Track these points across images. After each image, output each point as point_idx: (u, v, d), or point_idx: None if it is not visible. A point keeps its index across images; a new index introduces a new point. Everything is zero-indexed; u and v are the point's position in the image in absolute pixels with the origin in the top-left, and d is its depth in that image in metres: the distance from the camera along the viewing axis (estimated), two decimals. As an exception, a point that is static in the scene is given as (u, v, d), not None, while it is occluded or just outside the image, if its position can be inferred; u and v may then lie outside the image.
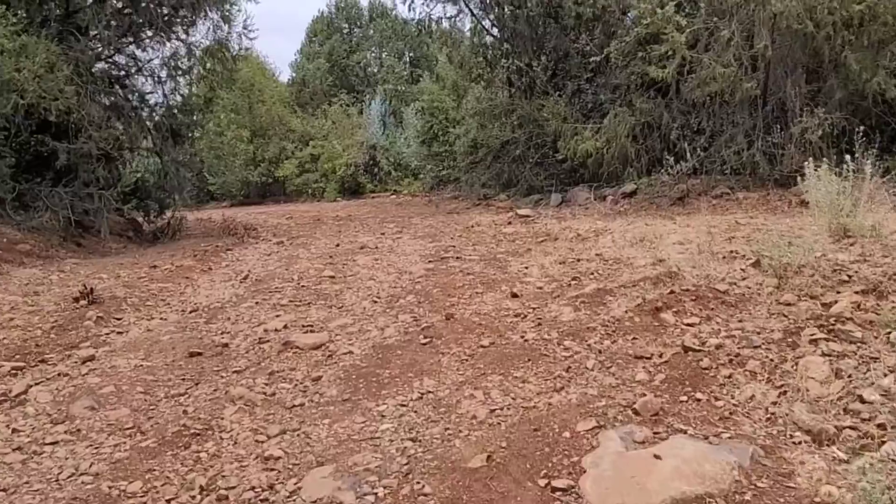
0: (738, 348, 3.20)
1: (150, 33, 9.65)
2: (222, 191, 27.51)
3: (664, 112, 10.60)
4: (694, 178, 9.83)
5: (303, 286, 6.21)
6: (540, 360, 3.62)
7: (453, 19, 14.29)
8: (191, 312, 5.60)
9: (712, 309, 4.18)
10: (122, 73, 9.63)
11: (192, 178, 12.03)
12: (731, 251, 5.65)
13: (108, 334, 5.08)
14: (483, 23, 14.05)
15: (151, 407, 3.61)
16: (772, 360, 3.03)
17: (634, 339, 3.86)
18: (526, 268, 6.24)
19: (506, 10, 13.32)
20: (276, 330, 4.81)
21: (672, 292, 4.39)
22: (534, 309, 4.67)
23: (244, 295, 6.07)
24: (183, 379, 4.03)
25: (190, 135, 10.66)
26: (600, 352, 3.68)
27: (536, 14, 12.18)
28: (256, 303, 5.72)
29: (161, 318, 5.47)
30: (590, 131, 11.45)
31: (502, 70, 13.28)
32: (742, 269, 4.86)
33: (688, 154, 9.64)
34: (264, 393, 3.64)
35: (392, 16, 29.46)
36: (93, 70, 8.55)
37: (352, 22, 31.36)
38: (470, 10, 13.91)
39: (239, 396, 3.57)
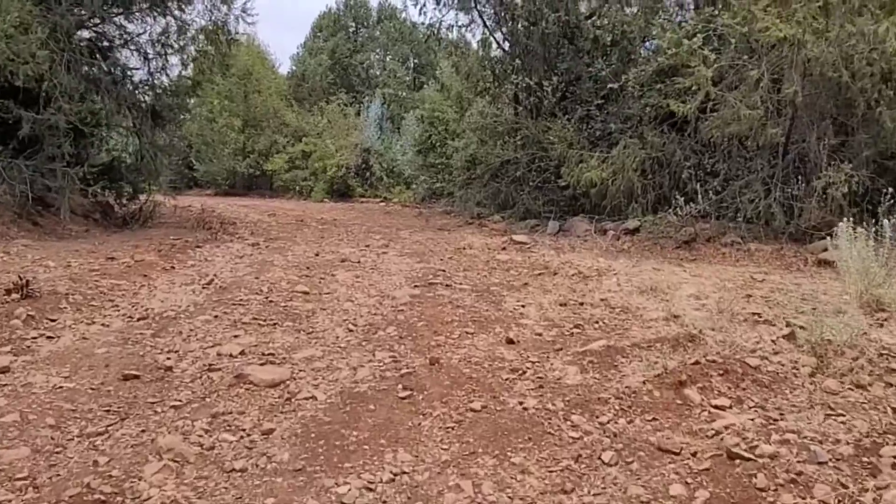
0: (799, 462, 2.56)
1: (143, 5, 8.93)
2: (207, 178, 26.68)
3: (677, 149, 10.06)
4: (703, 223, 9.27)
5: (271, 301, 5.51)
6: (543, 441, 2.96)
7: (464, 29, 13.72)
8: (139, 320, 4.88)
9: (744, 388, 3.56)
10: (107, 44, 8.89)
11: (173, 163, 11.28)
12: (754, 314, 5.04)
13: (35, 339, 4.36)
14: (494, 35, 13.49)
15: (58, 449, 2.90)
16: (845, 486, 2.39)
17: (655, 419, 3.21)
18: (523, 306, 5.59)
19: (520, 24, 12.76)
20: (230, 355, 4.11)
21: (696, 363, 3.76)
22: (533, 363, 4.01)
23: (204, 304, 5.36)
24: (108, 410, 3.33)
25: (173, 117, 9.93)
26: (615, 435, 3.03)
27: (552, 32, 11.62)
28: (216, 316, 5.01)
29: (103, 325, 4.75)
30: (596, 160, 10.88)
31: (510, 86, 12.70)
32: (773, 341, 4.25)
33: (699, 196, 9.10)
34: (200, 445, 2.95)
35: (400, 18, 28.91)
36: (73, 37, 7.82)
37: (359, 21, 30.76)
38: (483, 20, 13.35)
39: (168, 448, 2.87)
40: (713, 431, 3.03)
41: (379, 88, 26.80)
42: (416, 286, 6.28)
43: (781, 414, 3.24)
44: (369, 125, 24.18)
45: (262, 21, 55.00)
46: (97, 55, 8.34)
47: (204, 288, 5.94)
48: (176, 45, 9.15)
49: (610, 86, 10.52)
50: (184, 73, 10.62)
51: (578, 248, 9.36)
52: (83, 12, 8.31)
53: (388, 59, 29.85)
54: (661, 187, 10.35)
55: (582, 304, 5.66)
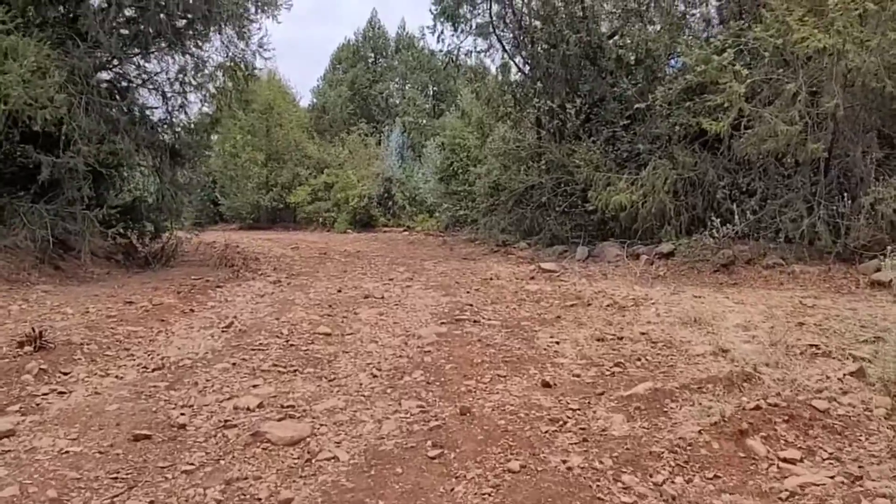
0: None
1: (162, 44, 8.88)
2: (232, 213, 26.81)
3: (709, 168, 9.69)
4: (741, 244, 8.86)
5: (292, 345, 5.24)
6: (593, 509, 2.62)
7: (483, 54, 13.56)
8: (154, 371, 4.64)
9: (814, 437, 3.20)
10: (125, 84, 8.85)
11: (194, 201, 11.18)
12: (811, 345, 4.66)
13: (45, 395, 4.13)
14: (514, 60, 13.30)
15: (56, 529, 2.64)
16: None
17: (716, 476, 2.87)
18: (557, 342, 5.26)
19: (540, 48, 12.57)
20: (248, 409, 3.84)
21: (757, 407, 3.40)
22: (574, 411, 3.68)
23: (222, 351, 5.11)
24: (115, 478, 3.06)
25: (193, 155, 9.84)
26: (674, 498, 2.69)
27: (573, 54, 11.39)
28: (234, 364, 4.75)
29: (116, 377, 4.51)
30: (625, 182, 10.55)
31: (532, 110, 12.47)
32: (839, 378, 3.87)
33: (736, 216, 8.71)
34: (211, 521, 2.67)
35: (418, 47, 29.01)
36: (91, 79, 7.76)
37: (378, 51, 30.98)
38: (502, 45, 13.18)
39: (175, 525, 2.60)
40: (787, 492, 2.67)
41: (399, 117, 26.82)
42: (442, 323, 5.98)
43: (861, 467, 2.87)
44: (390, 154, 24.13)
45: (282, 56, 55.87)
46: (116, 96, 8.28)
47: (223, 332, 5.70)
48: (194, 83, 9.07)
49: (637, 106, 10.21)
50: (203, 109, 10.56)
51: (611, 274, 9.00)
52: (102, 54, 8.26)
53: (407, 87, 29.94)
54: (695, 208, 9.97)
55: (620, 338, 5.31)
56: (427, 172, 20.87)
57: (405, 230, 19.60)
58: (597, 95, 12.00)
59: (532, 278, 8.84)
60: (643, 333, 5.39)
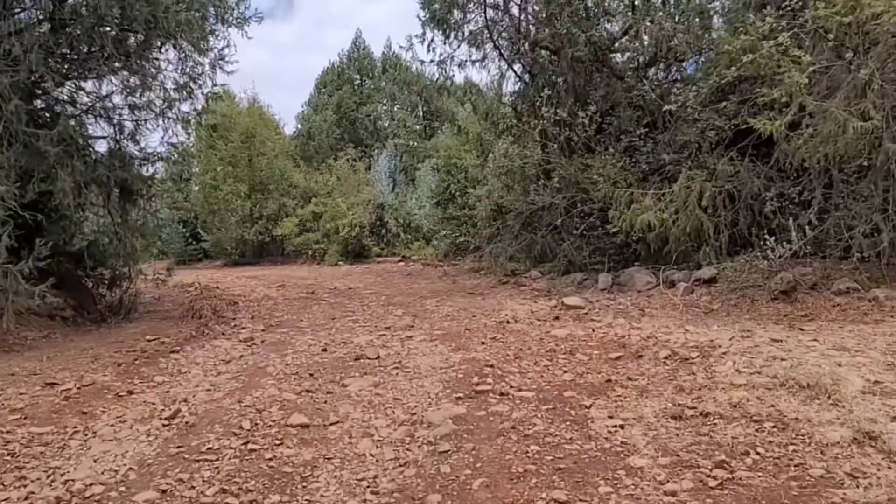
0: None
1: (102, 62, 7.48)
2: (216, 249, 25.35)
3: (752, 177, 8.31)
4: (799, 266, 7.45)
5: (253, 449, 3.75)
6: None
7: (478, 64, 12.23)
8: (44, 509, 3.16)
9: None
10: (58, 110, 7.43)
11: (151, 243, 9.73)
12: None
13: None
14: (513, 67, 11.97)
15: None
16: None
17: None
18: (621, 426, 3.80)
19: (542, 53, 11.24)
20: None
21: None
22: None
23: (153, 464, 3.62)
24: None
25: (147, 192, 8.41)
26: None
27: (583, 55, 10.05)
28: (164, 490, 3.27)
29: (-17, 527, 3.03)
30: (651, 198, 9.16)
31: (537, 122, 11.09)
32: None
33: (793, 232, 7.32)
34: None
35: (405, 66, 27.75)
36: (9, 105, 6.32)
37: (363, 73, 29.73)
38: (499, 52, 11.86)
39: None
40: None
41: (389, 140, 25.51)
42: (458, 398, 4.51)
43: None
44: (381, 179, 22.77)
45: (266, 86, 54.78)
46: (43, 126, 6.85)
47: (164, 426, 4.21)
48: (140, 103, 7.65)
49: (666, 107, 8.82)
50: (164, 138, 9.13)
51: (648, 308, 7.55)
52: (24, 75, 6.84)
53: (396, 108, 28.68)
54: (736, 225, 8.56)
55: (706, 414, 3.86)
56: (421, 197, 19.51)
57: (401, 260, 18.15)
58: (609, 102, 10.65)
59: (556, 318, 7.38)
60: (734, 405, 3.94)
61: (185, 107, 8.09)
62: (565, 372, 5.07)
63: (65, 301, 9.03)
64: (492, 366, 5.28)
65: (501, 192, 12.94)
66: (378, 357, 5.83)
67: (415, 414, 4.24)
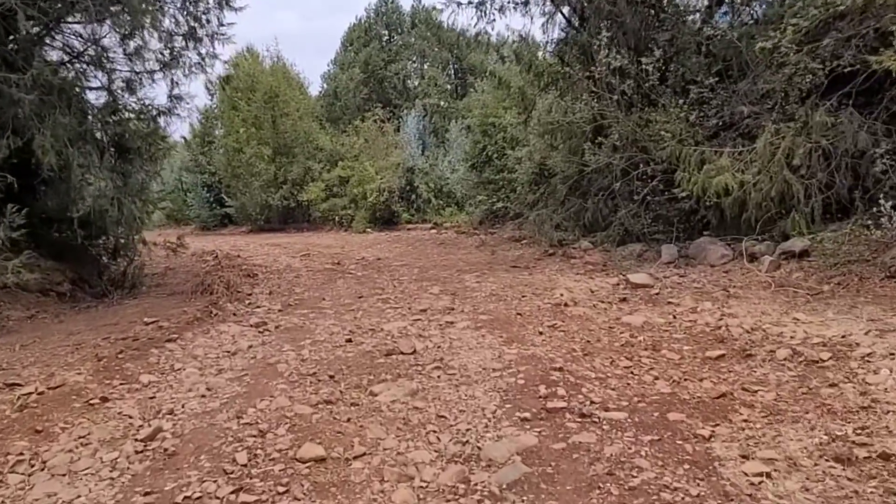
0: None
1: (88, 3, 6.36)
2: (240, 214, 24.43)
3: (856, 131, 6.95)
4: (921, 237, 6.16)
5: (245, 503, 2.70)
6: None
7: (521, 7, 10.85)
8: None
9: None
10: (29, 54, 6.33)
11: (150, 210, 8.72)
12: None
13: None
14: (562, 10, 10.59)
15: None
16: None
17: None
18: (765, 475, 2.66)
19: (597, -9, 9.83)
20: None
21: None
22: None
23: (108, 522, 2.59)
24: None
25: (148, 151, 7.33)
26: None
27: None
28: (112, 576, 2.23)
29: None
30: (727, 157, 7.86)
31: (589, 71, 9.74)
32: None
33: (913, 197, 6.02)
34: None
35: (436, 20, 26.18)
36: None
37: (392, 28, 28.21)
38: (546, -7, 10.48)
39: None
40: None
41: (418, 99, 24.19)
42: (523, 417, 3.40)
43: None
44: (410, 141, 21.52)
45: (293, 49, 53.45)
46: (19, 69, 5.77)
47: (136, 455, 3.19)
48: (132, 50, 6.54)
49: (761, 44, 7.43)
50: (170, 89, 8.02)
51: (733, 288, 6.32)
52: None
53: (426, 66, 27.22)
54: (831, 188, 7.24)
55: (888, 456, 2.69)
56: (454, 160, 18.25)
57: (432, 227, 17.01)
58: (675, 47, 9.26)
59: (624, 300, 6.21)
60: (921, 442, 2.77)
61: (191, 54, 6.93)
62: (656, 378, 3.92)
63: (63, 274, 8.11)
64: (559, 368, 4.14)
65: (545, 152, 11.67)
66: (414, 352, 4.73)
67: (467, 442, 3.14)
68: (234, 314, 6.64)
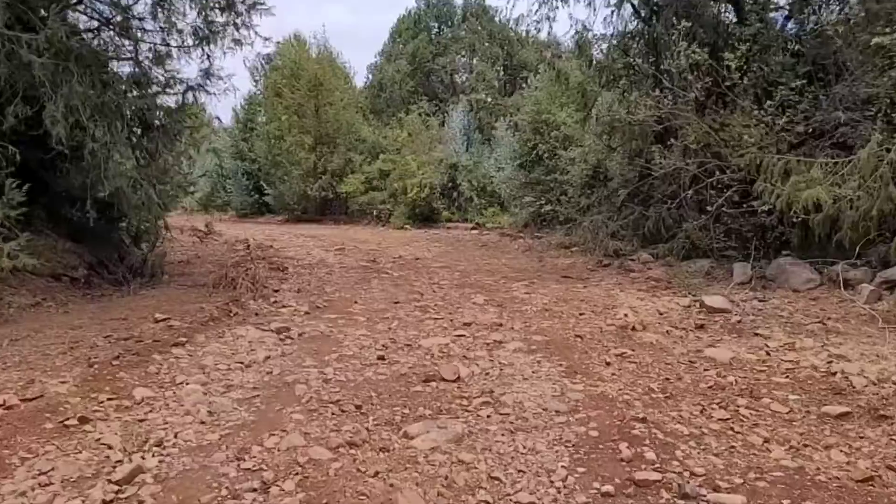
0: None
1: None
2: (278, 203, 23.98)
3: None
4: None
5: None
6: None
7: (586, -3, 9.99)
8: None
9: None
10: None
11: (175, 194, 8.11)
12: None
13: None
14: (631, 0, 9.70)
15: None
16: None
17: None
18: None
19: (670, -19, 8.93)
20: None
21: None
22: None
23: None
24: None
25: (169, 127, 6.69)
26: None
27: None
28: None
29: None
30: (819, 169, 6.91)
31: (658, 68, 8.85)
32: None
33: None
34: None
35: (489, 15, 25.32)
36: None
37: (442, 20, 27.46)
38: (614, -18, 9.61)
39: None
40: None
41: (465, 94, 23.42)
42: (600, 487, 2.60)
43: None
44: (455, 137, 20.76)
45: (341, 41, 53.15)
46: (34, 30, 5.17)
47: (104, 504, 2.48)
48: (164, 23, 5.88)
49: (877, 39, 6.47)
50: (202, 64, 7.38)
51: (832, 321, 5.40)
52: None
53: (475, 61, 26.42)
54: (944, 209, 6.25)
55: None
56: (500, 158, 17.43)
57: (474, 227, 16.24)
58: (759, 44, 8.31)
59: (701, 327, 5.34)
60: None
61: (228, 27, 6.25)
62: (766, 441, 3.08)
63: (80, 258, 7.55)
64: (641, 418, 3.31)
65: (602, 153, 10.82)
66: (458, 378, 3.96)
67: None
68: (257, 314, 5.97)
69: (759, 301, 6.38)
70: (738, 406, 3.55)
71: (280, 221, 23.17)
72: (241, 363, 4.28)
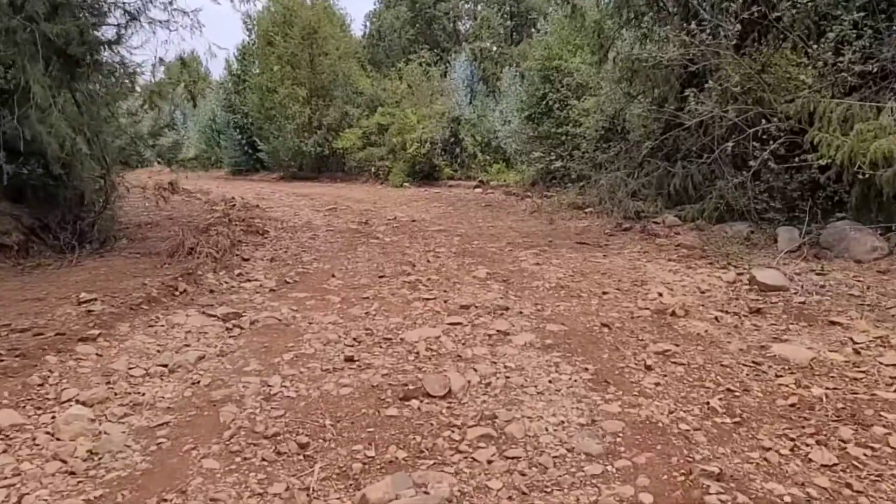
0: None
1: None
2: (273, 160, 22.75)
3: None
4: None
5: None
6: None
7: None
8: None
9: None
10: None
11: (132, 146, 7.00)
12: None
13: None
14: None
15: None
16: None
17: None
18: None
19: None
20: None
21: None
22: None
23: None
24: None
25: (105, 66, 5.52)
26: None
27: None
28: None
29: None
30: (889, 115, 5.75)
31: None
32: None
33: None
34: None
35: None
36: None
37: (444, -37, 25.75)
38: None
39: None
40: None
41: (468, 43, 21.96)
42: None
43: None
44: (457, 88, 19.42)
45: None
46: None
47: None
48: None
49: None
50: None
51: (920, 304, 4.32)
52: None
53: (479, 7, 24.81)
54: None
55: None
56: (506, 110, 16.15)
57: (477, 185, 15.05)
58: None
59: (757, 311, 4.26)
60: None
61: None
62: (909, 512, 2.04)
63: (18, 221, 6.49)
64: (716, 475, 2.26)
65: (621, 102, 9.59)
66: (447, 393, 2.91)
67: None
68: (212, 291, 4.94)
69: (818, 275, 5.28)
70: (843, 440, 2.50)
71: (274, 179, 22.02)
72: (164, 367, 3.23)
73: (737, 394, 2.98)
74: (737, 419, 2.70)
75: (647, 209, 8.22)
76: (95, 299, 4.32)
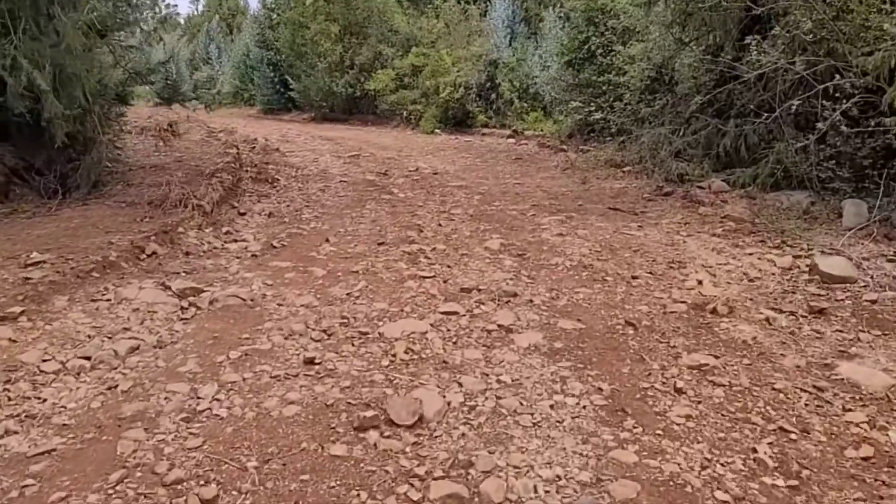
0: None
1: None
2: (304, 99, 22.01)
3: None
4: None
5: None
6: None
7: None
8: None
9: None
10: None
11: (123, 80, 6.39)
12: None
13: None
14: None
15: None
16: None
17: None
18: None
19: None
20: None
21: None
22: None
23: None
24: None
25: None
26: None
27: None
28: None
29: None
30: None
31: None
32: None
33: None
34: None
35: None
36: None
37: None
38: None
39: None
40: None
41: (512, -20, 20.60)
42: None
43: None
44: (497, 29, 18.28)
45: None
46: None
47: None
48: None
49: None
50: None
51: None
52: None
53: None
54: None
55: None
56: (546, 54, 15.07)
57: (511, 135, 14.15)
58: None
59: (820, 312, 3.51)
60: None
61: None
62: None
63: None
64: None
65: (670, 50, 8.59)
66: (417, 421, 2.29)
67: None
68: (187, 254, 4.38)
69: (889, 261, 4.47)
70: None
71: (305, 120, 21.34)
72: (87, 360, 2.68)
73: (793, 436, 2.30)
74: (792, 483, 2.03)
75: (692, 172, 7.34)
76: (44, 262, 3.78)
